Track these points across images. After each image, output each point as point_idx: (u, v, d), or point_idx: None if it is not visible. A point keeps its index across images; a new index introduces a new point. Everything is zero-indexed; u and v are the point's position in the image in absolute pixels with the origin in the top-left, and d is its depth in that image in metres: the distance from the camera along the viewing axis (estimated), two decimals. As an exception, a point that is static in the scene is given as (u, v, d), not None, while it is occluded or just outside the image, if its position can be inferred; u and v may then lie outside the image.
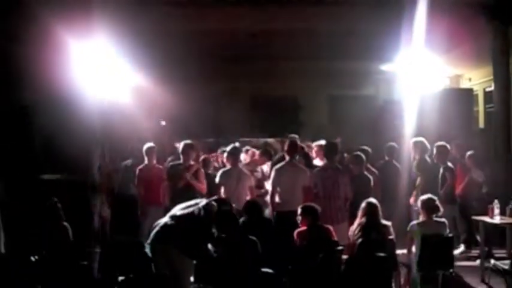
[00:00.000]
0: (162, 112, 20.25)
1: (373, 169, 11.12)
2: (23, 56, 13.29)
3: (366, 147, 11.39)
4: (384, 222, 8.59)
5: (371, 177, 10.52)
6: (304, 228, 8.56)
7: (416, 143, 11.60)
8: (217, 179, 10.30)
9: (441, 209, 8.87)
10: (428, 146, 11.59)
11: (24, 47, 13.25)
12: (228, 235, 7.58)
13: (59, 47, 13.13)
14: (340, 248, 8.31)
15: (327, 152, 10.55)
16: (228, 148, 10.82)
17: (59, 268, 7.92)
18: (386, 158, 11.73)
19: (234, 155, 10.47)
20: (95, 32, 12.91)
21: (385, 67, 19.45)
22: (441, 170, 11.25)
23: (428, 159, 11.47)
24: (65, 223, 8.75)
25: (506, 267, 8.61)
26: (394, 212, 10.43)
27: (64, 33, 12.78)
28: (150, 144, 11.75)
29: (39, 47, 13.31)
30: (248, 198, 10.08)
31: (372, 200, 8.81)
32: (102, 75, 14.21)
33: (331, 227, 8.62)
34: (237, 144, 11.60)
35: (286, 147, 10.42)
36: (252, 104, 23.45)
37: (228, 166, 10.43)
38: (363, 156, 10.71)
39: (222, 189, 10.13)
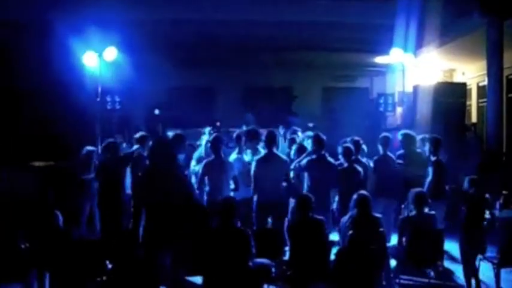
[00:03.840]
0: (155, 100, 20.24)
1: (364, 161, 11.08)
2: (17, 43, 13.28)
3: (357, 139, 11.33)
4: (375, 214, 8.60)
5: (361, 169, 10.49)
6: (296, 221, 8.59)
7: (404, 136, 11.48)
8: (200, 169, 10.25)
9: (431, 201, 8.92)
10: (416, 138, 11.54)
11: (16, 34, 13.24)
12: (220, 226, 7.58)
13: (51, 34, 13.15)
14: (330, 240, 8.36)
15: (315, 143, 10.54)
16: (211, 138, 10.75)
17: (48, 256, 7.92)
18: (381, 150, 11.50)
19: (216, 145, 10.36)
20: (89, 19, 12.93)
21: (379, 60, 19.45)
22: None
23: (418, 151, 11.39)
24: (56, 211, 8.71)
25: (496, 260, 8.63)
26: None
27: (56, 20, 12.80)
28: (142, 133, 11.65)
29: (32, 34, 13.32)
30: (232, 187, 10.09)
31: (363, 192, 8.82)
32: (95, 63, 14.20)
33: (323, 219, 8.62)
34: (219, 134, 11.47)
35: (265, 139, 10.40)
36: (246, 93, 23.47)
37: (212, 156, 10.31)
38: (352, 148, 10.67)
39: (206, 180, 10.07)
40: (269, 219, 9.89)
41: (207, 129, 13.07)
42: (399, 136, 11.45)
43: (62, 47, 13.50)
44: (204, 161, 10.23)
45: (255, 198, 9.90)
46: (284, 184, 10.17)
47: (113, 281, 7.10)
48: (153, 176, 7.11)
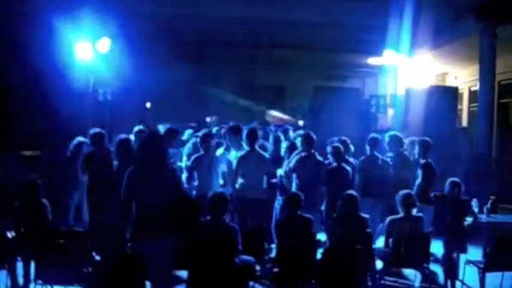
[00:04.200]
0: (148, 94, 20.20)
1: (352, 161, 11.09)
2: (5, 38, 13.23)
3: (345, 139, 11.33)
4: (362, 215, 8.63)
5: (349, 169, 10.51)
6: (284, 218, 8.62)
7: (392, 138, 11.48)
8: (189, 164, 10.26)
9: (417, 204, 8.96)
10: (403, 140, 11.56)
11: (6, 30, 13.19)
12: (210, 222, 7.59)
13: (41, 28, 13.10)
14: (317, 239, 8.39)
15: (304, 142, 10.57)
16: (200, 134, 10.75)
17: (35, 246, 7.91)
18: (369, 151, 11.49)
19: (205, 140, 10.36)
20: (80, 13, 12.89)
21: (371, 61, 19.48)
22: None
23: (405, 153, 11.41)
24: (44, 200, 8.69)
25: (481, 265, 8.66)
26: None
27: (48, 14, 12.74)
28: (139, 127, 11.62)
29: (22, 30, 13.26)
30: (221, 183, 10.09)
31: (351, 192, 8.85)
32: (86, 57, 14.15)
33: (311, 217, 8.64)
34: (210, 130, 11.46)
35: (246, 136, 10.43)
36: (239, 90, 23.47)
37: (201, 152, 10.32)
38: (341, 147, 10.68)
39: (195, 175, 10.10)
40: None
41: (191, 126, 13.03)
42: (386, 138, 11.44)
43: (53, 36, 13.44)
44: (193, 156, 10.26)
45: (235, 194, 9.87)
46: (268, 181, 10.22)
47: (99, 273, 7.09)
48: (143, 170, 7.10)
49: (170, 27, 15.32)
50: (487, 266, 8.60)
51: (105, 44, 14.25)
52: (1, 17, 13.07)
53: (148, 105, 20.84)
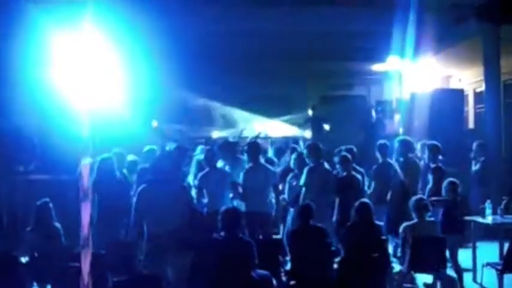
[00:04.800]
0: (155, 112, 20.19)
1: (360, 169, 11.04)
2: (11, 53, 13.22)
3: (351, 147, 11.28)
4: (377, 222, 8.59)
5: (360, 177, 10.48)
6: (296, 229, 8.58)
7: (402, 142, 11.44)
8: (197, 183, 10.20)
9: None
10: (414, 145, 11.53)
11: (10, 44, 13.19)
12: (225, 236, 7.55)
13: (47, 43, 13.09)
14: (333, 248, 8.35)
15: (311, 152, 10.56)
16: (204, 151, 10.74)
17: (50, 270, 7.89)
18: (380, 158, 11.46)
19: (209, 157, 10.37)
20: (87, 27, 12.88)
21: (376, 67, 19.48)
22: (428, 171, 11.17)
23: (414, 159, 11.36)
24: (57, 224, 8.68)
25: (499, 267, 8.61)
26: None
27: (54, 29, 12.73)
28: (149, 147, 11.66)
29: (27, 44, 13.25)
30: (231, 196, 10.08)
31: (365, 200, 8.82)
32: (92, 74, 14.11)
33: (324, 227, 8.60)
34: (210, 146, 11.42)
35: (248, 150, 10.43)
36: (246, 102, 23.49)
37: (207, 169, 10.34)
38: (349, 156, 10.64)
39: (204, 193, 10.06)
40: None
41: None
42: (395, 143, 11.41)
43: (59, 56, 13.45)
44: (200, 174, 10.20)
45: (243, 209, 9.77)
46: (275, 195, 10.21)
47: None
48: (154, 187, 7.10)
49: (174, 42, 15.32)
50: (505, 267, 8.55)
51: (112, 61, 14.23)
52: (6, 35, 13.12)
53: (155, 124, 20.81)
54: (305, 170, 10.25)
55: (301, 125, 22.29)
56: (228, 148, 10.82)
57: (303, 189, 10.13)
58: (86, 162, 10.82)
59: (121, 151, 11.02)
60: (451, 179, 9.82)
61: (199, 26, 14.17)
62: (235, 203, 9.89)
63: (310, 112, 20.31)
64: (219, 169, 10.29)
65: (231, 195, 10.07)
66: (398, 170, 10.99)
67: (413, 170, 11.02)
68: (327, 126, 20.24)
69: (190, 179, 11.24)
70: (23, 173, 14.62)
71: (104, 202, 9.27)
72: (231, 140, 11.57)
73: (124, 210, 9.20)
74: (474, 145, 13.45)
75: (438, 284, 9.06)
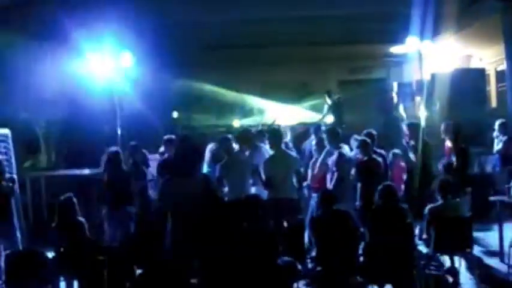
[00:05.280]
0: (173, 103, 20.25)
1: (382, 152, 10.96)
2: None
3: (370, 131, 11.19)
4: (401, 205, 8.53)
5: (380, 160, 10.40)
6: (320, 215, 8.57)
7: (410, 126, 11.36)
8: (217, 173, 10.10)
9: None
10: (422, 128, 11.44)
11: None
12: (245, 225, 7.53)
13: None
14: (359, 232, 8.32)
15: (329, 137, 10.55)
16: (219, 140, 10.70)
17: (76, 264, 7.92)
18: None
19: (226, 146, 10.37)
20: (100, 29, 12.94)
21: (395, 49, 19.33)
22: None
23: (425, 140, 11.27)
24: (81, 218, 8.71)
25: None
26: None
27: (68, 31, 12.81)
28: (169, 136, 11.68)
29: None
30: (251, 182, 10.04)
31: (388, 183, 8.76)
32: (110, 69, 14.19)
33: (348, 211, 8.58)
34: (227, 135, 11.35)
35: (269, 137, 10.41)
36: (263, 89, 23.46)
37: (225, 158, 10.33)
38: (368, 140, 10.56)
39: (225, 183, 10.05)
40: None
41: None
42: (404, 127, 11.34)
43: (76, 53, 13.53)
44: (219, 165, 10.16)
45: (267, 196, 9.75)
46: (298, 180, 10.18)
47: (141, 286, 7.07)
48: (177, 178, 7.10)
49: (191, 35, 15.32)
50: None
51: (127, 58, 14.28)
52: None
53: (175, 114, 20.86)
54: (323, 154, 10.27)
55: (320, 111, 22.22)
56: (247, 136, 10.79)
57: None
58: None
59: (136, 144, 11.14)
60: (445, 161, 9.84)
61: (215, 14, 14.13)
62: (254, 189, 9.86)
63: (326, 98, 20.14)
64: (237, 157, 10.26)
65: (251, 181, 10.06)
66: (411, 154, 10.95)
67: (426, 152, 10.93)
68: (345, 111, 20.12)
69: (205, 168, 11.21)
70: (48, 169, 14.79)
71: (110, 193, 9.97)
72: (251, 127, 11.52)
73: (129, 200, 10.04)
74: (496, 124, 13.33)
75: (463, 265, 9.00)
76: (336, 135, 10.52)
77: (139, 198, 10.91)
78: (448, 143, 11.15)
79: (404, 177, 10.76)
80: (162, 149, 11.61)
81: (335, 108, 19.79)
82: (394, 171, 10.74)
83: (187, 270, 6.79)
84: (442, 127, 11.34)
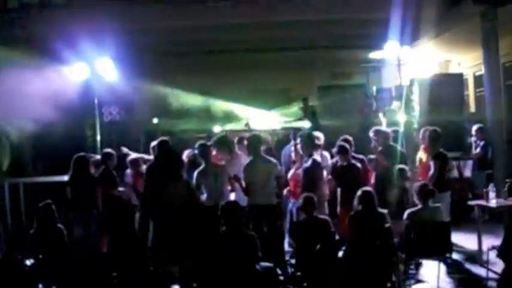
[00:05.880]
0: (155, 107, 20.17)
1: (360, 157, 10.98)
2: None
3: (347, 137, 11.18)
4: (380, 210, 8.56)
5: (359, 165, 10.42)
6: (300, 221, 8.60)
7: (377, 132, 11.39)
8: (194, 180, 9.94)
9: (436, 194, 8.93)
10: (390, 134, 11.48)
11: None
12: (225, 231, 7.55)
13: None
14: (337, 238, 8.34)
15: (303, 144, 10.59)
16: (197, 146, 10.66)
17: (55, 270, 7.88)
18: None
19: (204, 152, 10.35)
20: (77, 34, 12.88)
21: (374, 55, 19.41)
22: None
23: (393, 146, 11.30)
24: (59, 225, 8.67)
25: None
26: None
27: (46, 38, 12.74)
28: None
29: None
30: (230, 189, 10.07)
31: (367, 188, 8.79)
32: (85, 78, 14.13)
33: (328, 219, 8.61)
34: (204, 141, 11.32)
35: (248, 144, 10.41)
36: (244, 95, 23.48)
37: (203, 165, 10.32)
38: (347, 145, 10.57)
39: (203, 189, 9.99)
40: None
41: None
42: (370, 133, 11.37)
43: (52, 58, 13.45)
44: (197, 171, 10.13)
45: (247, 202, 9.78)
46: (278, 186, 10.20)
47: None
48: (160, 185, 7.11)
49: (171, 40, 15.28)
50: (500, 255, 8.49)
51: (104, 63, 14.22)
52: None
53: (155, 120, 20.81)
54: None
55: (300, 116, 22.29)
56: (224, 143, 10.79)
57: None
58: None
59: (108, 152, 11.16)
60: (401, 166, 9.97)
61: (195, 20, 14.10)
62: (233, 196, 9.87)
63: (302, 105, 20.26)
64: (215, 164, 10.26)
65: (229, 188, 10.06)
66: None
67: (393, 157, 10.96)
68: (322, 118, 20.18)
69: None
70: (27, 175, 14.70)
71: (77, 197, 10.27)
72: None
73: (93, 204, 10.22)
74: (473, 129, 13.44)
75: (443, 269, 9.06)
76: (309, 142, 10.54)
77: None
78: (422, 155, 11.26)
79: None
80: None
81: (311, 116, 19.88)
82: (370, 176, 10.79)
83: (167, 275, 6.79)
84: (420, 134, 11.40)
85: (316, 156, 10.52)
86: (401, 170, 9.95)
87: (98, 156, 11.81)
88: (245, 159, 10.56)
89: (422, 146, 11.50)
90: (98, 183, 10.46)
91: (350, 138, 11.04)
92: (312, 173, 10.11)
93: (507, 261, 7.28)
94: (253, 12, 13.84)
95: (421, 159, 11.36)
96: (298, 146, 10.73)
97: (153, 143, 11.52)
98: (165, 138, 11.50)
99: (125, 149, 12.04)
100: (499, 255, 7.47)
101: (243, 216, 7.74)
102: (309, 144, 10.49)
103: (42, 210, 8.70)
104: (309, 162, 10.20)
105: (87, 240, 9.63)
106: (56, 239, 8.48)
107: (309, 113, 19.80)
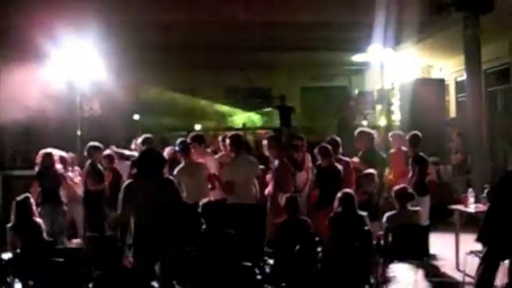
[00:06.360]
0: (136, 104, 20.08)
1: (346, 158, 10.99)
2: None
3: (335, 137, 11.21)
4: (360, 212, 8.57)
5: (341, 168, 10.40)
6: (281, 220, 8.60)
7: (360, 134, 11.45)
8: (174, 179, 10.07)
9: (415, 197, 8.98)
10: (375, 137, 11.54)
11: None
12: (205, 229, 7.55)
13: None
14: (317, 239, 8.36)
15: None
16: (177, 143, 10.65)
17: (32, 266, 7.83)
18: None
19: (184, 150, 10.35)
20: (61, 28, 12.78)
21: (357, 58, 19.48)
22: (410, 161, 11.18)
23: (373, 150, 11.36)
24: (37, 219, 8.61)
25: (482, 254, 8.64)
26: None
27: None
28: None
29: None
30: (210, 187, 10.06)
31: (348, 190, 8.81)
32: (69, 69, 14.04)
33: (308, 219, 8.63)
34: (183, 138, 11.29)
35: (230, 143, 10.37)
36: (226, 95, 23.50)
37: (182, 163, 10.28)
38: (329, 147, 10.55)
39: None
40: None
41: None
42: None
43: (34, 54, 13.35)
44: (176, 169, 10.13)
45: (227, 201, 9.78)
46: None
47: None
48: (141, 181, 7.08)
49: (153, 35, 15.20)
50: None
51: (87, 60, 14.11)
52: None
53: (136, 117, 20.71)
54: None
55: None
56: (200, 140, 10.77)
57: None
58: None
59: (94, 145, 11.16)
60: (370, 171, 10.02)
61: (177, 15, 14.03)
62: (214, 194, 9.86)
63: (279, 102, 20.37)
64: (195, 161, 10.25)
65: (209, 186, 10.05)
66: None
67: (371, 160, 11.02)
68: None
69: None
70: (5, 169, 14.59)
71: (45, 191, 10.52)
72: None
73: (57, 198, 10.60)
74: (454, 134, 13.52)
75: (420, 273, 9.10)
76: (275, 142, 10.55)
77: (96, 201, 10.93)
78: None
79: None
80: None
81: (283, 114, 19.95)
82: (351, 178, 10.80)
83: (148, 272, 6.78)
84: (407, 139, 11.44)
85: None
86: (367, 174, 10.00)
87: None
88: (224, 158, 10.61)
89: (393, 151, 11.61)
90: (63, 179, 10.81)
91: (338, 139, 11.06)
92: (279, 175, 10.07)
93: (487, 244, 7.36)
94: (234, 12, 13.78)
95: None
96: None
97: (135, 140, 11.52)
98: (148, 135, 11.55)
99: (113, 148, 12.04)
100: (478, 239, 7.54)
101: (223, 215, 7.75)
102: (273, 145, 10.45)
103: (20, 204, 8.63)
104: (276, 164, 10.20)
105: (52, 235, 9.62)
106: (34, 233, 8.40)
107: (283, 112, 19.90)
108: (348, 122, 18.25)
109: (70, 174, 11.31)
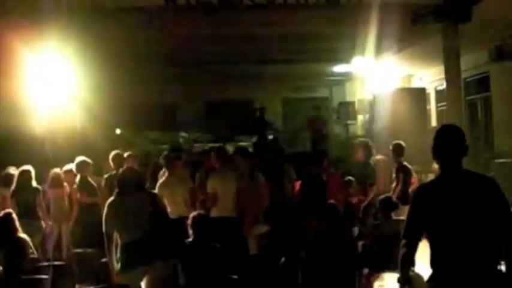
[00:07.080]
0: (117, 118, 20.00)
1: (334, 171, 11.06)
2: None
3: (323, 150, 11.30)
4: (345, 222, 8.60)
5: (324, 179, 10.45)
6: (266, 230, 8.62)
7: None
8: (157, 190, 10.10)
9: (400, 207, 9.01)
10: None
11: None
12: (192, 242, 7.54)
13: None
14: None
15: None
16: (163, 156, 10.66)
17: (16, 283, 7.76)
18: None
19: (167, 163, 10.37)
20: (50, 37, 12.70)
21: (338, 68, 19.58)
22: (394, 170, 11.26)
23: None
24: (22, 235, 8.52)
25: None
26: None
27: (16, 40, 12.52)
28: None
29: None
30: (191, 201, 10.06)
31: (332, 201, 8.83)
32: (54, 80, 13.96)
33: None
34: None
35: (215, 155, 10.43)
36: (207, 107, 23.51)
37: (166, 174, 10.29)
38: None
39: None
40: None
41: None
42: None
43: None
44: (160, 182, 10.14)
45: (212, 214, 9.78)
46: None
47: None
48: (122, 197, 7.08)
49: (133, 50, 15.19)
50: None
51: (68, 72, 14.02)
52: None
53: (118, 131, 20.64)
54: None
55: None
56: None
57: None
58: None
59: (84, 160, 11.12)
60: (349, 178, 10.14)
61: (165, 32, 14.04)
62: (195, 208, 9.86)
63: (258, 114, 20.25)
64: (178, 174, 10.25)
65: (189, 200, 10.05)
66: None
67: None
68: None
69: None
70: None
71: (21, 209, 10.20)
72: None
73: (34, 214, 10.51)
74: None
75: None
76: (244, 155, 10.58)
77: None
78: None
79: None
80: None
81: (259, 127, 19.85)
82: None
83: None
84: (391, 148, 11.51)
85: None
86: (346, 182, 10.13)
87: None
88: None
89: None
90: (38, 194, 10.76)
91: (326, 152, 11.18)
92: (250, 189, 10.07)
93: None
94: (214, 25, 13.80)
95: None
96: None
97: (113, 154, 11.51)
98: (130, 152, 11.56)
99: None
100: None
101: (208, 227, 7.75)
102: (241, 159, 10.43)
103: (2, 220, 8.52)
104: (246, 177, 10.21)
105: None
106: (17, 250, 8.31)
107: (259, 124, 19.80)
108: (321, 134, 18.24)
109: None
